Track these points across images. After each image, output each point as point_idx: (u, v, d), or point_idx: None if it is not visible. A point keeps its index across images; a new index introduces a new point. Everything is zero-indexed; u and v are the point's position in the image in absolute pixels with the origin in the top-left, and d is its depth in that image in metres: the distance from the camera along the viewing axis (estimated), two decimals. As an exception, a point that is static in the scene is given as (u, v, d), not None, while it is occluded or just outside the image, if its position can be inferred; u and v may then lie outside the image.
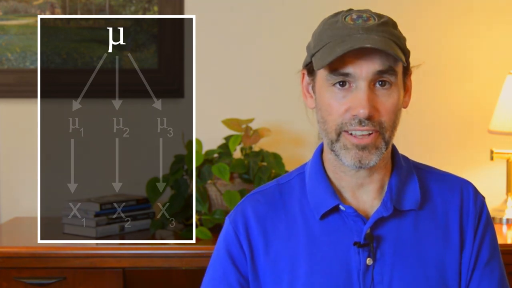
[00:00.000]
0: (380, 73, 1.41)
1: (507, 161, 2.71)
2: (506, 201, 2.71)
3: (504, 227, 2.64)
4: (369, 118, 1.41)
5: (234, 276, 1.51)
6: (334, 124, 1.43)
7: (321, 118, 1.47)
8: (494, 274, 1.51)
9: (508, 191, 2.71)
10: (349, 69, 1.41)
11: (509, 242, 2.54)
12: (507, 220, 2.67)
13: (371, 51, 1.40)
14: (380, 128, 1.42)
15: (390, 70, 1.41)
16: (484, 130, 2.78)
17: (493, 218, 2.67)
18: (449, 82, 2.86)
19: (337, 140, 1.44)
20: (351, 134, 1.43)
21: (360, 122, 1.41)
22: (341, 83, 1.42)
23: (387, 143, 1.44)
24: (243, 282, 1.51)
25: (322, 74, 1.45)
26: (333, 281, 1.46)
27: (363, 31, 1.41)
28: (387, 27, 1.44)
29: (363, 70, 1.40)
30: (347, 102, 1.42)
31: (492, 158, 2.71)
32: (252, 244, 1.51)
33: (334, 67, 1.42)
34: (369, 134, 1.42)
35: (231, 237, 1.52)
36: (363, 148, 1.42)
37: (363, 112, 1.40)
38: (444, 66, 2.85)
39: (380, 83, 1.42)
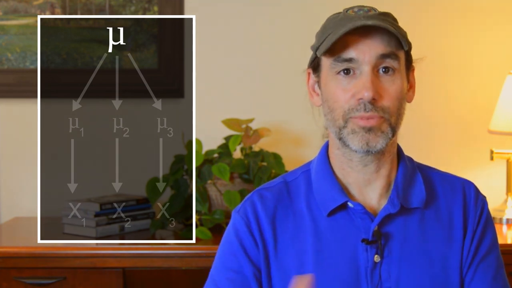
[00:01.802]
0: (383, 57, 1.43)
1: (507, 161, 2.71)
2: (506, 201, 2.71)
3: (504, 227, 2.64)
4: (373, 102, 1.42)
5: (249, 268, 1.50)
6: (341, 110, 1.45)
7: (327, 109, 1.48)
8: (488, 271, 1.52)
9: (508, 191, 2.71)
10: (352, 53, 1.43)
11: (509, 242, 2.54)
12: (507, 220, 2.67)
13: (373, 35, 1.43)
14: (384, 114, 1.44)
15: (393, 55, 1.44)
16: (484, 130, 2.78)
17: (493, 218, 2.66)
18: (449, 82, 2.86)
19: (345, 126, 1.45)
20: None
21: (365, 108, 1.42)
22: (345, 71, 1.45)
23: (393, 129, 1.46)
24: (257, 274, 1.50)
25: (326, 64, 1.47)
26: (341, 278, 1.47)
27: (365, 18, 1.44)
28: (388, 18, 1.47)
29: (366, 54, 1.43)
30: (352, 88, 1.44)
31: (492, 158, 2.71)
32: (264, 235, 1.51)
33: (338, 52, 1.44)
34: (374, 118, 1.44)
35: (243, 229, 1.51)
36: (370, 130, 1.43)
37: (367, 94, 1.42)
38: (444, 66, 2.85)
39: (383, 70, 1.44)
